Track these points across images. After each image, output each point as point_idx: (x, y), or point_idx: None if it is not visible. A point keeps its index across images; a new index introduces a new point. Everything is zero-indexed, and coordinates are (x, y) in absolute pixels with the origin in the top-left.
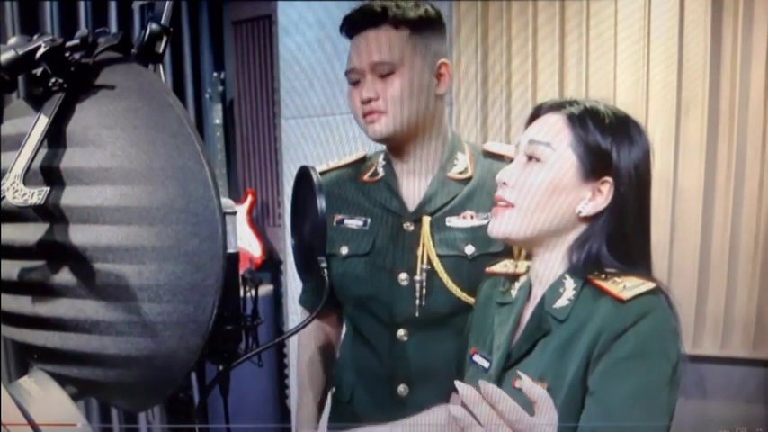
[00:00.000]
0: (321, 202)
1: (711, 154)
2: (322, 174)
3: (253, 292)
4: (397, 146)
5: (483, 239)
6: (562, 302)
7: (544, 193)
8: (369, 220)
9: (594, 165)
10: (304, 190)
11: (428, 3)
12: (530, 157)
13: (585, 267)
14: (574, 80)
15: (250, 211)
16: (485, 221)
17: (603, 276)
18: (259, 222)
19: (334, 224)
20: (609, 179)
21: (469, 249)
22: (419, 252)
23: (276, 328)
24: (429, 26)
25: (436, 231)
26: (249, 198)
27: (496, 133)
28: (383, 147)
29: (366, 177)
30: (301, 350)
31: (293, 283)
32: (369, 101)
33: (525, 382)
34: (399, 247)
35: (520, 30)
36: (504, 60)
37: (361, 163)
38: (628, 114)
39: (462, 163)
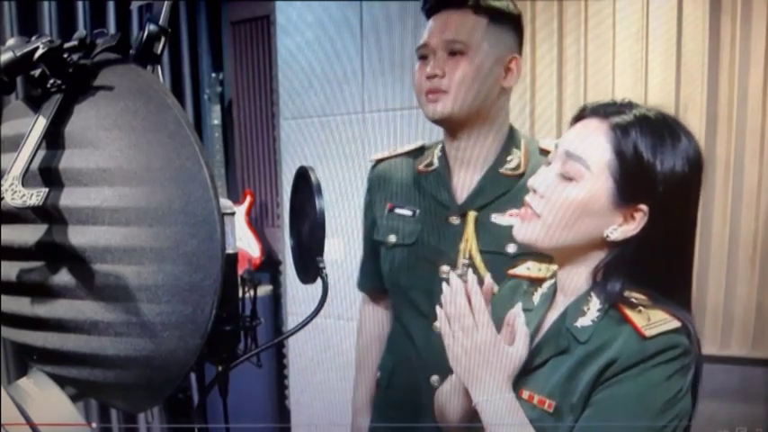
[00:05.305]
0: (320, 203)
1: (710, 153)
2: (380, 161)
3: (251, 292)
4: (453, 132)
5: None
6: (585, 322)
7: (572, 213)
8: (418, 211)
9: (631, 190)
10: (303, 190)
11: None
12: (563, 174)
13: (611, 291)
14: (572, 82)
15: (249, 212)
16: None
17: (630, 302)
18: (258, 223)
19: (386, 212)
20: (644, 207)
21: (511, 248)
22: (461, 246)
23: (275, 328)
24: (507, 19)
25: (481, 227)
26: (248, 198)
27: None
28: (441, 138)
29: (422, 167)
30: (359, 333)
31: (292, 284)
32: (434, 76)
33: (519, 314)
34: (444, 240)
35: None
36: None
37: (419, 152)
38: (683, 130)
39: (516, 159)
